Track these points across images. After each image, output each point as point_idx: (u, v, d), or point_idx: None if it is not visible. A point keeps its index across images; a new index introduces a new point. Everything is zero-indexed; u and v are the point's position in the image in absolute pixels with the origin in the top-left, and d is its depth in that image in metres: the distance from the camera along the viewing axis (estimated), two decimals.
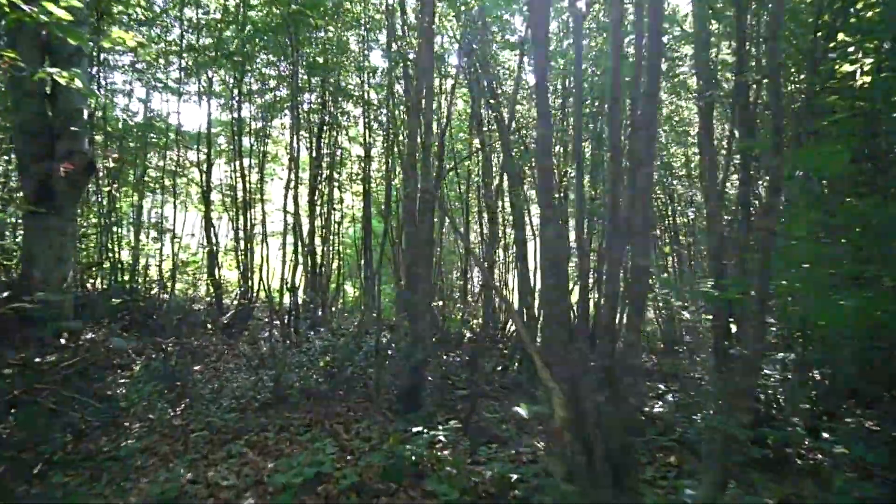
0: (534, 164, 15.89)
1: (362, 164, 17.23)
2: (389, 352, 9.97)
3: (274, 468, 5.34)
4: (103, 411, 6.30)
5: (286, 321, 12.93)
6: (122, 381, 8.09)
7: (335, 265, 18.79)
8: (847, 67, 7.37)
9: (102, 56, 14.42)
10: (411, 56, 10.42)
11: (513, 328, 16.43)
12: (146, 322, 12.89)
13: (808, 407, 7.14)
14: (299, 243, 15.50)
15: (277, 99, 17.12)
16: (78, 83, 5.68)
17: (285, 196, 13.74)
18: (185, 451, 5.81)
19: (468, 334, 15.21)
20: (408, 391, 7.26)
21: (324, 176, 16.77)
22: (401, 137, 13.54)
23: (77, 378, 7.78)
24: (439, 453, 5.86)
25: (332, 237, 17.65)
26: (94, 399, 7.00)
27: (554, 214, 4.46)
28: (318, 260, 16.24)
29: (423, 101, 6.88)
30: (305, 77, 15.97)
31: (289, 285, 13.32)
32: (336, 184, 17.40)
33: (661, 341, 15.12)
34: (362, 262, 17.88)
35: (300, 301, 14.95)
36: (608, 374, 4.50)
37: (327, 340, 10.23)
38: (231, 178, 17.35)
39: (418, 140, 7.69)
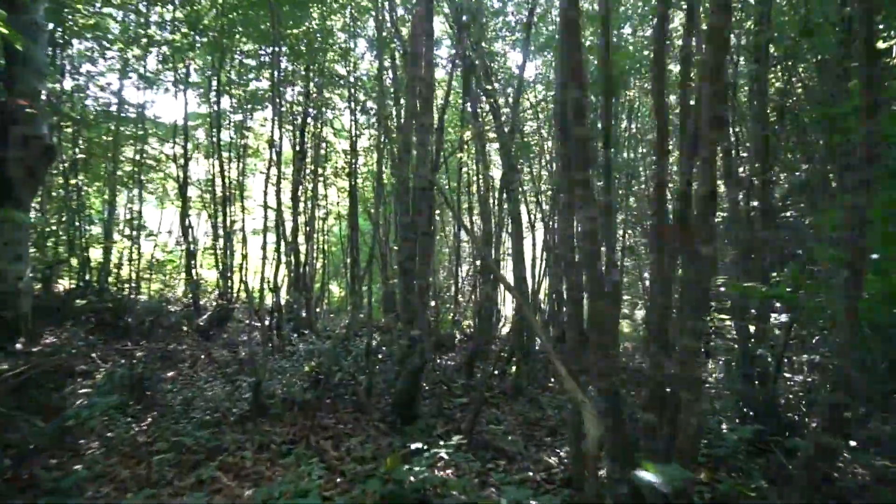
0: (537, 153, 15.11)
1: (348, 159, 16.36)
2: (380, 356, 9.14)
3: (251, 498, 4.50)
4: (52, 428, 5.39)
5: (268, 323, 12.05)
6: (83, 391, 7.18)
7: (320, 264, 17.90)
8: None
9: (74, 43, 13.43)
10: (404, 32, 9.60)
11: (507, 329, 15.66)
12: (116, 325, 11.93)
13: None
14: (282, 241, 14.60)
15: (258, 90, 16.23)
16: (34, 55, 4.78)
17: (265, 191, 12.88)
18: (147, 476, 4.94)
19: (459, 335, 14.43)
20: (403, 400, 6.43)
21: (307, 171, 15.87)
22: (393, 119, 12.71)
23: (33, 388, 6.86)
24: (443, 474, 5.06)
25: (316, 235, 16.75)
26: (48, 412, 6.09)
27: (587, 196, 3.69)
28: (302, 258, 15.34)
29: (424, 69, 6.07)
30: (289, 67, 15.10)
31: (270, 285, 12.42)
32: (321, 178, 16.50)
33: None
34: (348, 260, 17.02)
35: (283, 302, 14.06)
36: (658, 388, 3.74)
37: (312, 344, 9.37)
38: (210, 173, 16.39)
39: (413, 122, 6.88)
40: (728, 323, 8.18)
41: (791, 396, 7.16)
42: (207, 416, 6.61)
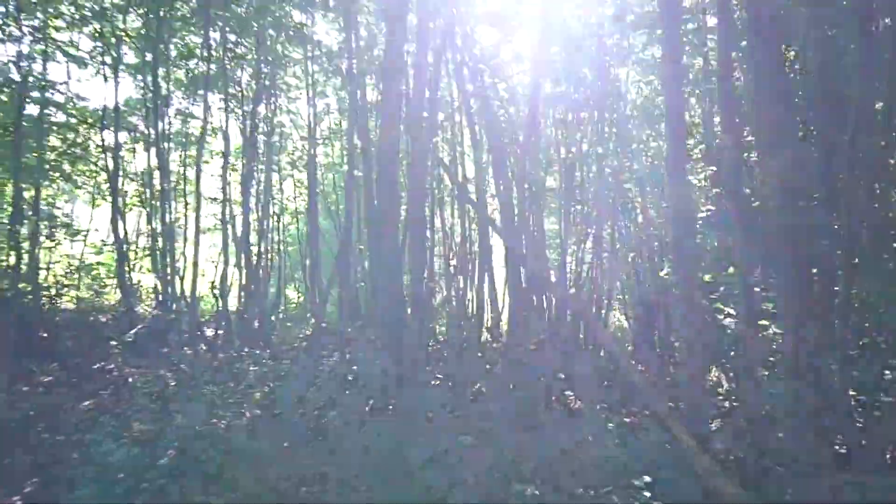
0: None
1: (306, 148, 14.44)
2: (349, 376, 7.33)
3: None
4: None
5: (214, 335, 10.10)
6: None
7: (275, 266, 15.87)
8: None
9: None
10: None
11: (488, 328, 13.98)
12: (30, 340, 9.78)
13: None
14: (230, 240, 12.59)
15: (201, 71, 14.10)
16: None
17: (223, 187, 10.89)
18: None
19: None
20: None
21: (260, 161, 13.85)
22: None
23: None
24: None
25: (270, 233, 14.75)
26: None
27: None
28: (255, 260, 13.31)
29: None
30: (238, 50, 13.12)
31: (216, 291, 10.47)
32: (275, 168, 14.50)
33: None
34: (307, 262, 15.07)
35: (233, 309, 12.06)
36: None
37: (266, 362, 7.48)
38: (147, 164, 14.17)
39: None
40: None
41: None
42: (109, 486, 4.65)
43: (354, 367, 7.55)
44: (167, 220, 12.88)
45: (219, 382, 7.51)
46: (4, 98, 11.60)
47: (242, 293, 12.37)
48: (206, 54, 12.78)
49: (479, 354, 8.99)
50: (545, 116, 12.70)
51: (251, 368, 7.57)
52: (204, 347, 9.92)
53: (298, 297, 16.25)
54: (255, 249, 13.15)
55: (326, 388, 6.37)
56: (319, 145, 14.85)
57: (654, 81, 14.67)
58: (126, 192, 13.96)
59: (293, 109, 14.84)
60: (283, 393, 6.62)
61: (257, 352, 9.79)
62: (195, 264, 11.87)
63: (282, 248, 15.83)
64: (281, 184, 14.82)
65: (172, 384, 7.40)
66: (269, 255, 14.83)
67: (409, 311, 6.87)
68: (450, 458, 5.11)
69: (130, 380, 8.59)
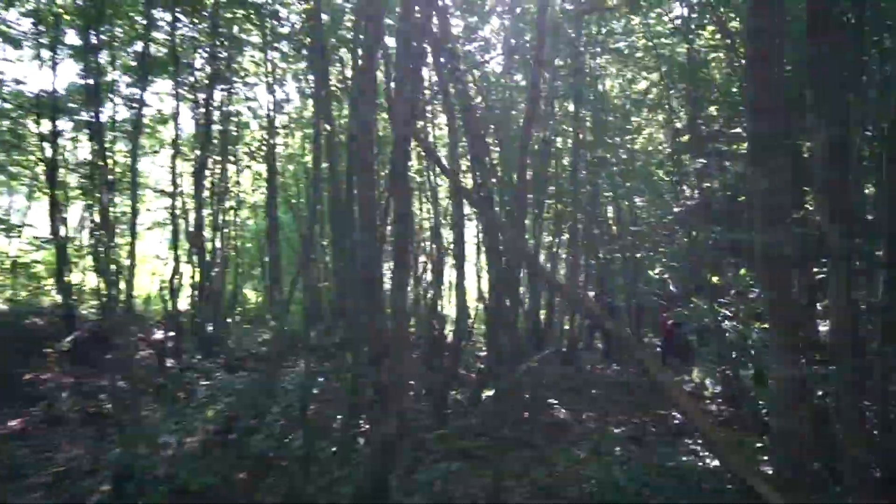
0: None
1: (265, 138, 13.45)
2: (315, 390, 6.53)
3: None
4: None
5: (163, 341, 9.14)
6: None
7: (231, 264, 14.83)
8: None
9: None
10: None
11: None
12: None
13: None
14: (182, 235, 11.56)
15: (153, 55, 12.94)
16: None
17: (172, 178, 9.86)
18: None
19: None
20: (371, 485, 3.91)
21: (215, 151, 12.80)
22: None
23: None
24: None
25: (226, 228, 13.71)
26: None
27: None
28: (209, 257, 12.27)
29: None
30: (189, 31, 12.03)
31: (166, 291, 9.49)
32: (232, 160, 13.46)
33: None
34: (266, 258, 14.11)
35: (185, 312, 11.05)
36: None
37: (219, 375, 6.61)
38: (90, 154, 12.94)
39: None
40: None
41: None
42: None
43: (321, 379, 6.75)
44: (108, 214, 11.73)
45: (167, 398, 6.61)
46: None
47: (196, 293, 11.36)
48: (153, 36, 11.67)
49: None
50: (515, 108, 12.05)
51: (203, 383, 6.68)
52: (152, 355, 8.93)
53: (258, 297, 15.28)
54: (209, 245, 12.12)
55: (290, 404, 5.56)
56: (279, 135, 13.86)
57: (629, 72, 14.25)
58: (67, 184, 12.75)
59: (251, 95, 13.80)
60: (240, 411, 5.79)
61: (211, 360, 8.86)
62: (137, 263, 10.80)
63: (239, 244, 14.81)
64: (238, 175, 13.80)
65: (113, 401, 6.46)
66: (225, 252, 13.80)
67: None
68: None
69: (65, 394, 7.59)
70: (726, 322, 6.55)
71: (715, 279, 5.67)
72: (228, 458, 4.90)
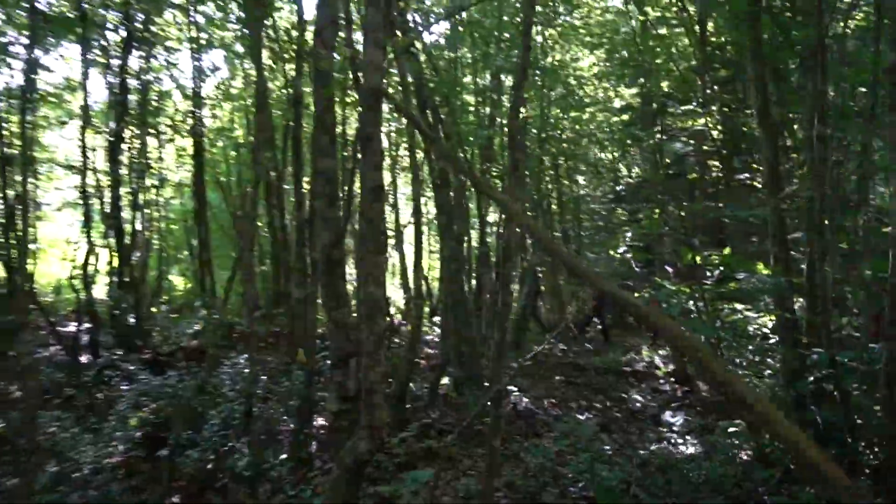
0: None
1: (189, 109, 12.21)
2: (260, 391, 5.75)
3: None
4: None
5: (76, 335, 8.03)
6: None
7: (155, 248, 13.53)
8: None
9: None
10: None
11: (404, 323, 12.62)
12: None
13: None
14: (98, 217, 10.31)
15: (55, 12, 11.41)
16: None
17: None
18: None
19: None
20: None
21: (132, 124, 11.48)
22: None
23: None
24: None
25: (148, 209, 12.43)
26: None
27: None
28: (130, 241, 11.03)
29: None
30: None
31: (77, 280, 8.35)
32: (153, 132, 12.15)
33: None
34: (195, 242, 12.93)
35: (102, 301, 9.86)
36: None
37: (145, 379, 5.71)
38: None
39: None
40: None
41: None
42: None
43: (264, 378, 5.97)
44: (5, 192, 10.30)
45: (80, 405, 5.67)
46: None
47: (114, 280, 10.17)
48: None
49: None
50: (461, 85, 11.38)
51: (124, 387, 5.76)
52: (62, 352, 7.83)
53: (186, 284, 14.03)
54: (128, 227, 10.88)
55: (231, 409, 4.78)
56: (206, 106, 12.64)
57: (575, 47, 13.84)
58: None
59: (173, 60, 12.47)
60: (168, 422, 4.98)
61: (134, 356, 7.85)
62: (41, 247, 9.54)
63: (163, 225, 13.53)
64: (160, 151, 12.50)
65: (12, 413, 5.45)
66: (148, 235, 12.54)
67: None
68: None
69: None
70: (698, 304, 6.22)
71: (693, 258, 5.29)
72: (158, 479, 4.11)
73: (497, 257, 12.36)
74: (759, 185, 10.36)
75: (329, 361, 3.39)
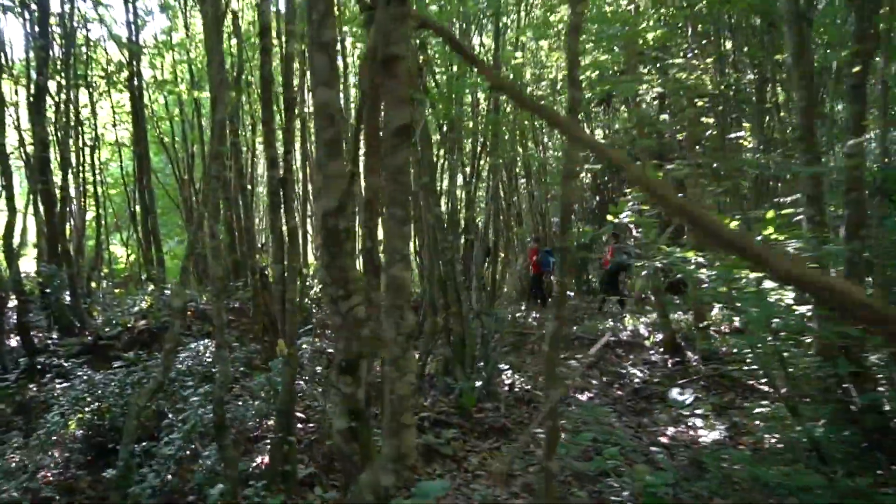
0: None
1: (124, 61, 10.77)
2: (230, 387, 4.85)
3: None
4: None
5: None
6: None
7: (93, 214, 12.14)
8: None
9: None
10: None
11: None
12: None
13: None
14: (25, 179, 8.94)
15: None
16: None
17: None
18: None
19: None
20: None
21: (58, 75, 10.00)
22: None
23: None
24: None
25: (82, 172, 11.03)
26: None
27: None
28: (62, 207, 9.67)
29: None
30: None
31: None
32: (83, 83, 10.68)
33: None
34: (137, 207, 11.64)
35: (30, 277, 8.61)
36: None
37: (84, 375, 4.72)
38: None
39: None
40: None
41: None
42: None
43: (210, 360, 5.05)
44: None
45: (5, 406, 4.66)
46: None
47: (44, 253, 8.90)
48: None
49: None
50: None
51: (61, 384, 4.76)
52: None
53: (129, 255, 12.69)
54: (58, 192, 9.52)
55: (195, 416, 3.89)
56: (145, 55, 11.21)
57: None
58: None
59: (104, 2, 10.92)
60: (116, 422, 4.07)
61: (73, 340, 6.77)
62: None
63: (101, 190, 12.12)
64: (93, 106, 11.05)
65: None
66: (83, 201, 11.17)
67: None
68: None
69: None
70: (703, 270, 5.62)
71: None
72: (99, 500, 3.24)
73: (484, 224, 11.63)
74: (749, 145, 9.90)
75: (335, 364, 2.55)
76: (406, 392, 2.20)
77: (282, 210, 3.80)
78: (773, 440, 4.70)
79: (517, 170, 16.91)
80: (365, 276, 2.72)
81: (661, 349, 8.86)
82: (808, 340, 4.96)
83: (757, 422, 4.95)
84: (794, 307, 4.90)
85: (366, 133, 2.69)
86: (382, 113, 2.34)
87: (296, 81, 10.80)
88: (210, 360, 4.99)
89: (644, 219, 5.35)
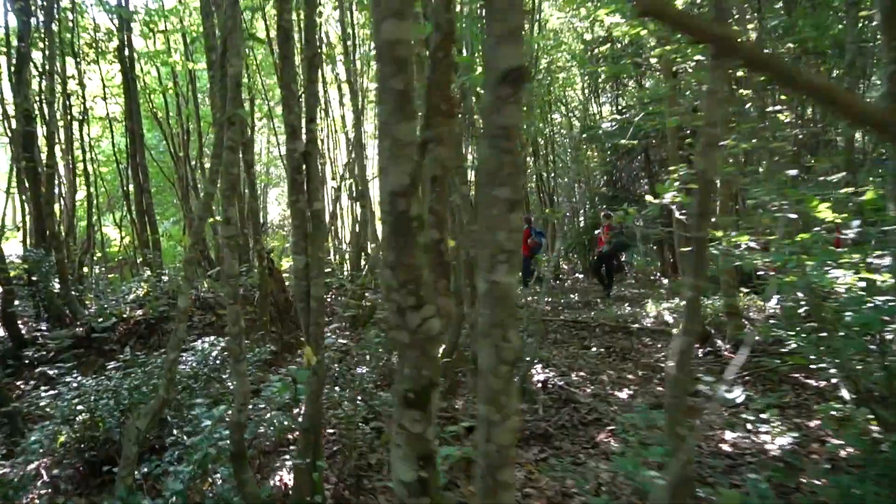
0: None
1: (114, 30, 9.99)
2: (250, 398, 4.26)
3: None
4: None
5: None
6: None
7: (83, 194, 11.42)
8: None
9: None
10: None
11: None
12: None
13: None
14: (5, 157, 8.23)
15: None
16: None
17: None
18: None
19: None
20: None
21: (41, 44, 9.22)
22: None
23: None
24: None
25: (73, 151, 10.28)
26: None
27: None
28: (49, 186, 8.96)
29: None
30: None
31: None
32: (69, 52, 9.89)
33: None
34: (130, 186, 10.94)
35: (16, 265, 7.94)
36: None
37: (71, 380, 4.10)
38: None
39: None
40: None
41: None
42: None
43: (217, 360, 4.45)
44: None
45: None
46: None
47: (31, 235, 8.24)
48: None
49: None
50: None
51: (46, 392, 4.15)
52: None
53: (123, 237, 11.97)
54: (45, 170, 8.81)
55: (208, 440, 3.30)
56: (136, 23, 10.40)
57: None
58: None
59: None
60: (111, 434, 3.49)
61: (59, 336, 6.14)
62: None
63: (92, 168, 11.38)
64: (81, 77, 10.26)
65: None
66: (73, 179, 10.44)
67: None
68: None
69: None
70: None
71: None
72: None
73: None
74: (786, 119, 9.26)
75: (397, 393, 1.96)
76: (509, 441, 1.60)
77: (304, 190, 3.18)
78: (853, 451, 4.17)
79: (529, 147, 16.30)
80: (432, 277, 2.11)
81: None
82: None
83: (829, 430, 4.40)
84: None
85: (431, 86, 2.06)
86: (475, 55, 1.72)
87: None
88: (216, 359, 4.39)
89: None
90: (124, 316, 6.59)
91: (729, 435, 4.84)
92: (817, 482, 3.56)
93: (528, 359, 5.62)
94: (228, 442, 2.66)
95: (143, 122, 10.87)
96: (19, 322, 6.69)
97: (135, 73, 10.47)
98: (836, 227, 4.28)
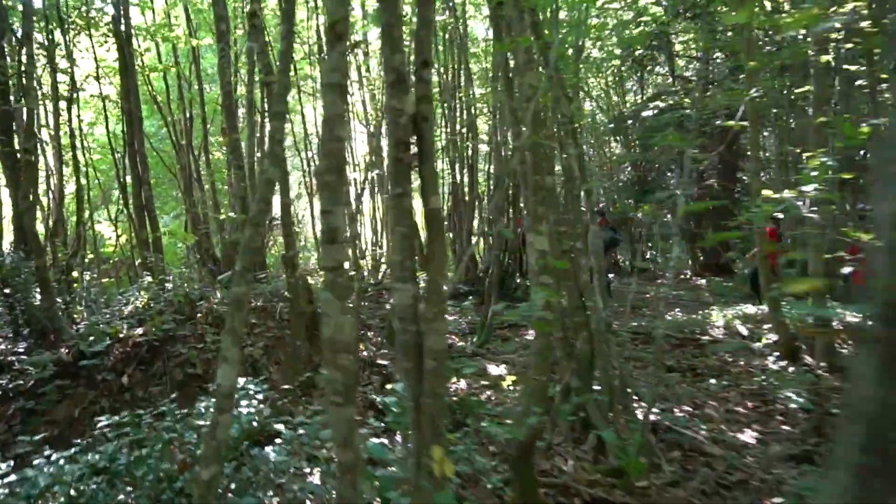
0: None
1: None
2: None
3: None
4: None
5: None
6: None
7: (73, 188, 10.09)
8: None
9: None
10: None
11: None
12: None
13: None
14: None
15: None
16: None
17: None
18: None
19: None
20: None
21: (19, 13, 7.89)
22: None
23: None
24: None
25: (57, 135, 8.96)
26: None
27: None
28: (29, 175, 7.64)
29: None
30: None
31: None
32: (56, 24, 8.55)
33: None
34: (127, 177, 9.64)
35: None
36: None
37: (45, 465, 2.85)
38: None
39: None
40: None
41: None
42: None
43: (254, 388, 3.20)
44: None
45: None
46: None
47: (12, 235, 6.95)
48: None
49: None
50: None
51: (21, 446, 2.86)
52: None
53: (119, 236, 10.57)
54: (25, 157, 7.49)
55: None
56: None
57: None
58: None
59: None
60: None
61: (40, 363, 4.86)
62: None
63: (84, 157, 10.05)
64: (69, 50, 8.92)
65: None
66: (61, 168, 9.13)
67: None
68: None
69: None
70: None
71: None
72: None
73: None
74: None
75: None
76: None
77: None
78: None
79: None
80: None
81: (777, 353, 7.14)
82: None
83: None
84: None
85: None
86: None
87: None
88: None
89: None
90: (120, 335, 5.32)
91: None
92: None
93: (636, 395, 4.40)
94: None
95: (141, 106, 9.56)
96: None
97: (132, 48, 9.15)
98: None
